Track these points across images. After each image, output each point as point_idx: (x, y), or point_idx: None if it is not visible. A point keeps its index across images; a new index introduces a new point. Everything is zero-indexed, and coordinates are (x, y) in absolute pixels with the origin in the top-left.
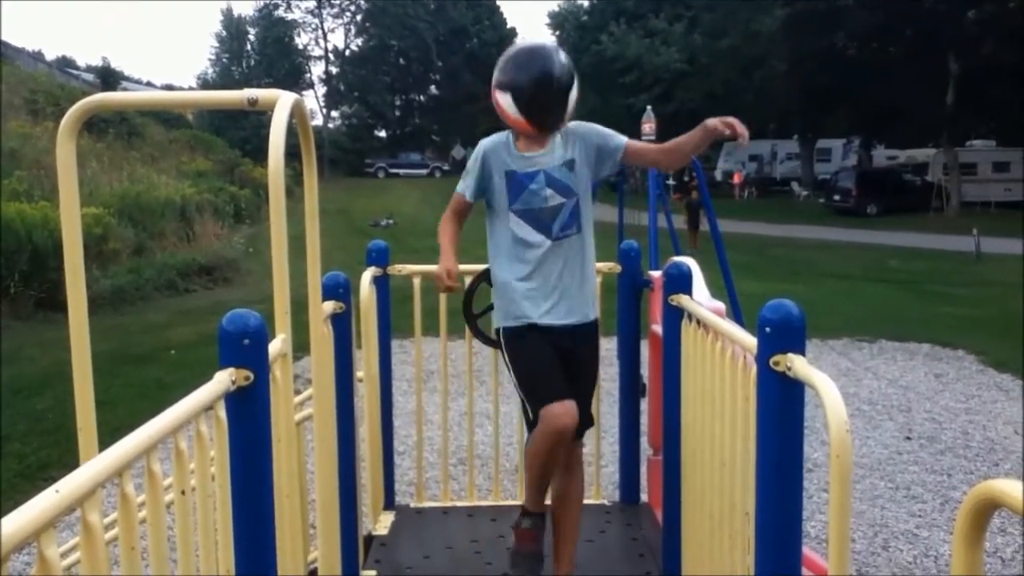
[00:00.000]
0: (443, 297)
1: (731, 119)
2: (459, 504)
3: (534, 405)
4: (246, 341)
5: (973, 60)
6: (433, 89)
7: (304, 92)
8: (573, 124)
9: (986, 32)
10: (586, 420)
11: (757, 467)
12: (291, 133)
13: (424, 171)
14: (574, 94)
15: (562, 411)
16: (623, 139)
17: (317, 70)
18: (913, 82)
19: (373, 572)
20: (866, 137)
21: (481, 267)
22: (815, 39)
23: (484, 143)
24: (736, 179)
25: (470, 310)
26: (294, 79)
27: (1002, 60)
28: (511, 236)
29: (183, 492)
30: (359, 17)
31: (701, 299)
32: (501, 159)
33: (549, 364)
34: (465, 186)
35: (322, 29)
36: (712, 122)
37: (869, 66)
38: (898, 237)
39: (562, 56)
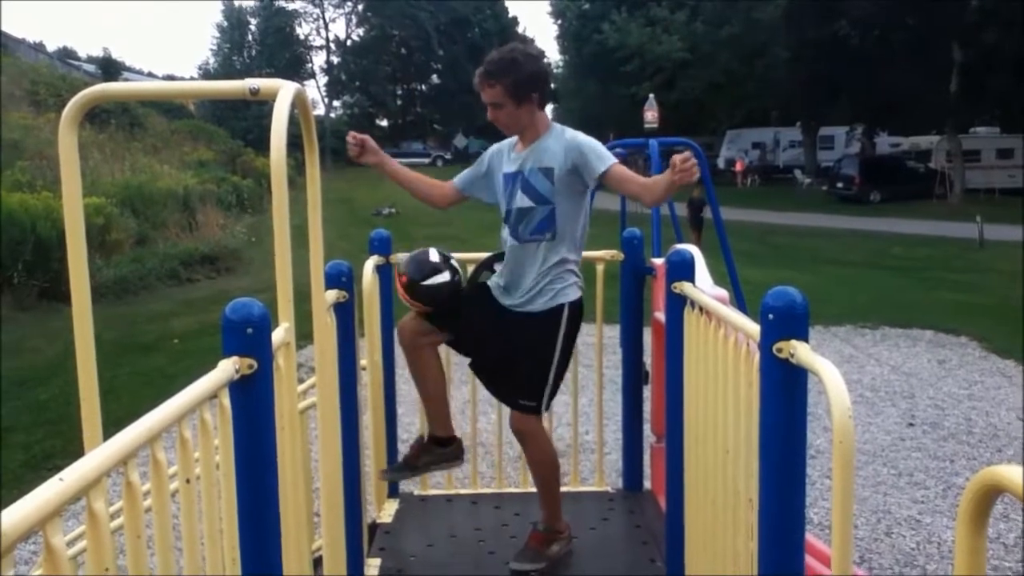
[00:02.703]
0: None
1: (683, 162)
2: (463, 492)
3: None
4: (249, 330)
5: (976, 48)
6: (435, 78)
7: (305, 82)
8: (569, 133)
9: (989, 20)
10: (516, 395)
11: (760, 454)
12: (293, 123)
13: (426, 160)
14: (503, 89)
15: (411, 319)
16: (604, 167)
17: (318, 60)
18: (916, 70)
19: (377, 560)
20: (869, 125)
21: (483, 255)
22: (817, 27)
23: (494, 146)
24: (738, 167)
25: None
26: (295, 69)
27: (1005, 47)
28: (503, 225)
29: (188, 480)
30: (360, 7)
31: (704, 286)
32: (501, 161)
33: (461, 309)
34: (459, 177)
35: (323, 19)
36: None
37: (872, 54)
38: (901, 224)
39: (508, 56)
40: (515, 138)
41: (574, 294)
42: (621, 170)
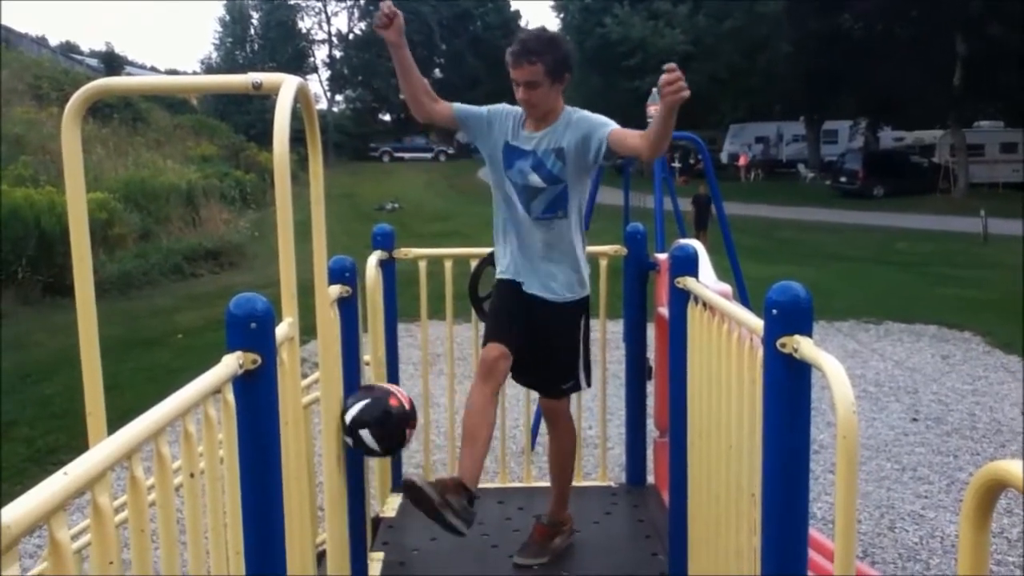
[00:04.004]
0: (449, 281)
1: (666, 76)
2: None
3: (483, 342)
4: (253, 325)
5: (980, 41)
6: (437, 73)
7: (308, 76)
8: (577, 114)
9: (993, 13)
10: (558, 382)
11: (764, 449)
12: (296, 117)
13: (429, 155)
14: (544, 67)
15: (494, 350)
16: (607, 130)
17: (321, 54)
18: (920, 63)
19: (381, 554)
20: (873, 119)
21: (486, 250)
22: (820, 20)
23: (502, 104)
24: (742, 161)
25: (476, 293)
26: (298, 63)
27: (1010, 41)
28: (504, 199)
29: (192, 475)
30: (362, 0)
31: (707, 281)
32: (507, 128)
33: (505, 312)
34: (460, 104)
35: (325, 12)
36: (665, 97)
37: (875, 47)
38: (905, 219)
39: (547, 35)
40: (521, 111)
41: (587, 285)
42: (621, 129)
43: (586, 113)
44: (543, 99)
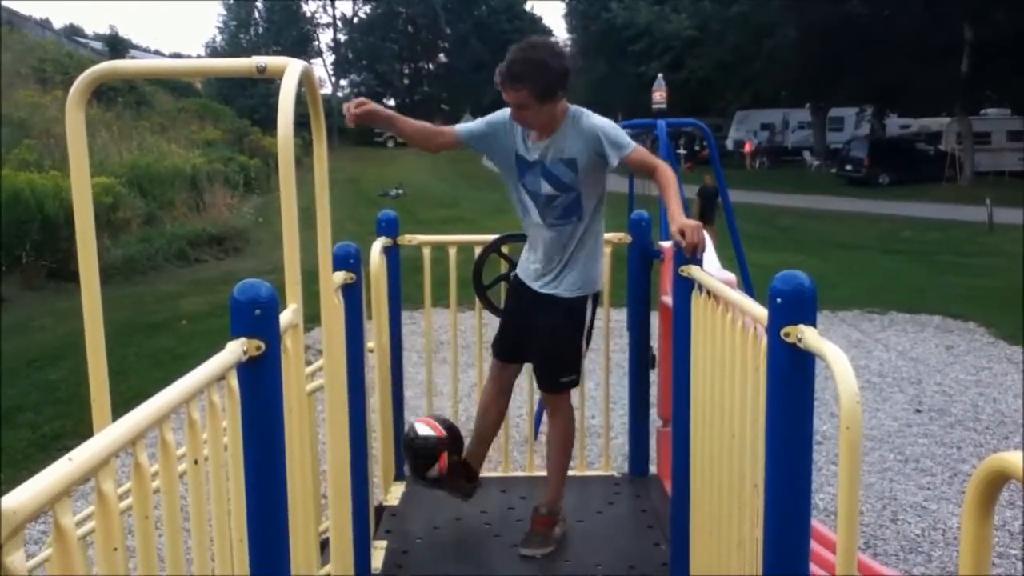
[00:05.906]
0: (453, 268)
1: (689, 238)
2: None
3: (492, 351)
4: (257, 311)
5: (988, 28)
6: (442, 57)
7: (312, 60)
8: (586, 120)
9: None
10: (553, 374)
11: (766, 439)
12: (300, 102)
13: None
14: (528, 91)
15: (499, 369)
16: (622, 151)
17: (325, 38)
18: (926, 50)
19: (384, 542)
20: (879, 106)
21: (491, 237)
22: (826, 6)
23: (501, 113)
24: (747, 148)
25: (480, 281)
26: (302, 47)
27: (1017, 28)
28: (521, 206)
29: (196, 462)
30: None
31: (712, 270)
32: (517, 139)
33: (511, 327)
34: (463, 126)
35: None
36: (675, 231)
37: (881, 34)
38: (910, 207)
39: (534, 56)
40: None
41: (601, 279)
42: (639, 154)
43: (598, 123)
44: (534, 118)
